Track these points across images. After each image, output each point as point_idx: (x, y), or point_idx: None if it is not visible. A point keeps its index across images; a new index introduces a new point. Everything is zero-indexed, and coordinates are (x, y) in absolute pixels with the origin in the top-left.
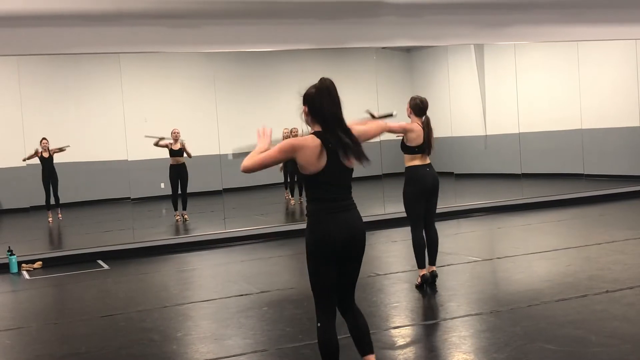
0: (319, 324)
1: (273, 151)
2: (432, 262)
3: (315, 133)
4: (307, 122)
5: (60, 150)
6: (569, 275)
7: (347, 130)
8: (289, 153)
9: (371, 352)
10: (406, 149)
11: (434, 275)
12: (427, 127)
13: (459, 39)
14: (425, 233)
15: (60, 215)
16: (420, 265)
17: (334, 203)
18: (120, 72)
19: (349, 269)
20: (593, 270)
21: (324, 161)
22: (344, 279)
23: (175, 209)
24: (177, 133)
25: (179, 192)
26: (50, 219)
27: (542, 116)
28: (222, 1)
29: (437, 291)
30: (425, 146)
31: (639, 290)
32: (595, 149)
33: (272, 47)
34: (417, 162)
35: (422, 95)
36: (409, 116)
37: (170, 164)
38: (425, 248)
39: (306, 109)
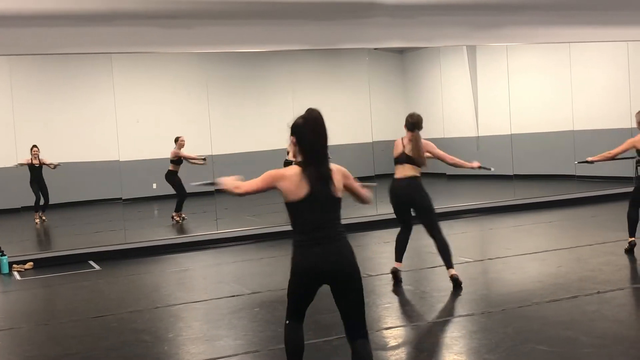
0: (287, 322)
1: (256, 181)
2: (447, 266)
3: (298, 163)
4: (294, 152)
5: (52, 165)
6: (560, 276)
7: (324, 166)
8: (269, 183)
9: None
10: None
11: (453, 279)
12: (414, 141)
13: (452, 40)
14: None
15: (44, 218)
16: (396, 258)
17: (317, 233)
18: (112, 72)
19: (346, 300)
20: (584, 271)
21: (304, 190)
22: (344, 310)
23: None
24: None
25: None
26: (37, 221)
27: (534, 117)
28: (214, 2)
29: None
30: (403, 157)
31: (629, 292)
32: (586, 150)
33: (264, 48)
34: (396, 174)
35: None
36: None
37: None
38: (402, 244)
39: (294, 140)
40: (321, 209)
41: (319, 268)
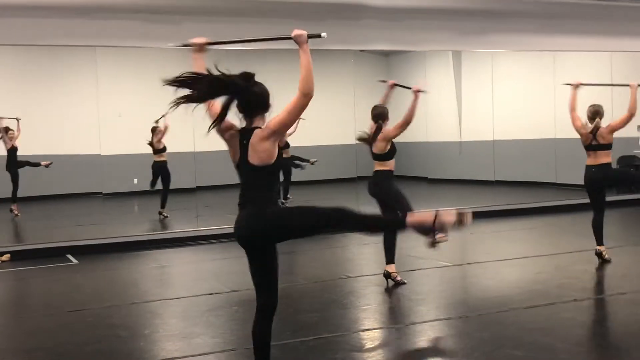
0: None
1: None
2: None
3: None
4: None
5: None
6: (538, 283)
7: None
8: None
9: None
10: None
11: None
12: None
13: (438, 45)
14: None
15: (17, 212)
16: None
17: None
18: (96, 65)
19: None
20: (562, 278)
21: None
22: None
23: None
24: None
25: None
26: (15, 212)
27: (516, 124)
28: None
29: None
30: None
31: (606, 300)
32: (568, 158)
33: (250, 46)
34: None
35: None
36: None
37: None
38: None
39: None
40: (246, 176)
41: (235, 233)
